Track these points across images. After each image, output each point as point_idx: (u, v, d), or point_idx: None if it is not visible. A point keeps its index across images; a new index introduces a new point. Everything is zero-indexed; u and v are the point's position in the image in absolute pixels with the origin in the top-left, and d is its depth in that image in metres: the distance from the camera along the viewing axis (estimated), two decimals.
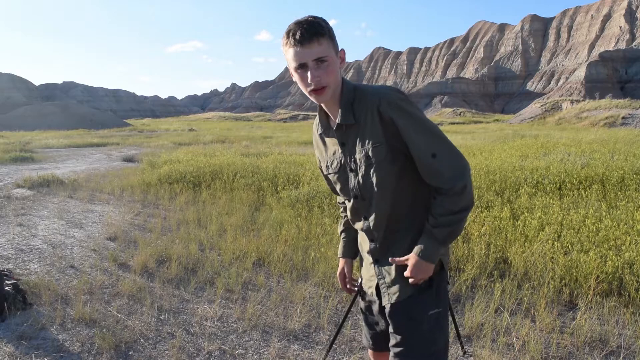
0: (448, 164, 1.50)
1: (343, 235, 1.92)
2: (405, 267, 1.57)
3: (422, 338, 1.56)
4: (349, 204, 1.70)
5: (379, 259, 1.65)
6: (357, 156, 1.56)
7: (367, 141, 1.53)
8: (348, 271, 1.91)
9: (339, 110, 1.56)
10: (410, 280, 1.56)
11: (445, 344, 1.61)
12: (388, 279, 1.62)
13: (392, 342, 1.61)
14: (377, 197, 1.57)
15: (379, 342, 1.79)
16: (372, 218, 1.62)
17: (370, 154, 1.53)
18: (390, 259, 1.60)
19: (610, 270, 3.54)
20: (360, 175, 1.58)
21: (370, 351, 1.88)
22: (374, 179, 1.55)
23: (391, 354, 1.60)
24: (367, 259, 1.72)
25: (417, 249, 1.54)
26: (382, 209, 1.58)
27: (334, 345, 2.87)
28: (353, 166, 1.59)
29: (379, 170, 1.53)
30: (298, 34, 1.44)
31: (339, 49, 1.54)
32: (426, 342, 1.56)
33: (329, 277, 3.90)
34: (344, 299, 3.59)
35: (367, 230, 1.66)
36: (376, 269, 1.66)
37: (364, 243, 1.73)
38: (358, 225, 1.70)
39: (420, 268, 1.53)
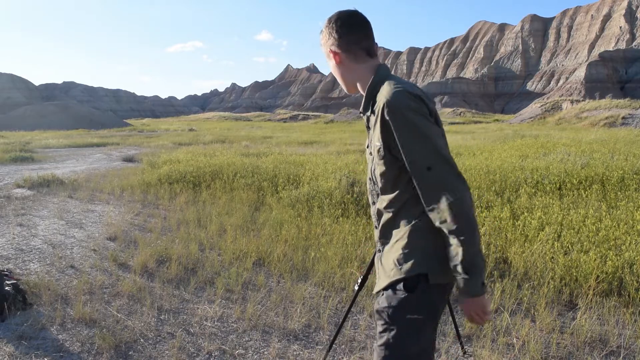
0: (444, 180, 1.44)
1: None
2: (393, 254, 1.57)
3: (393, 337, 1.51)
4: None
5: (380, 249, 1.68)
6: (371, 144, 1.64)
7: (375, 137, 1.58)
8: None
9: (363, 99, 1.67)
10: (472, 322, 1.53)
11: (418, 353, 1.53)
12: (380, 270, 1.64)
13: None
14: (381, 187, 1.63)
15: None
16: (377, 204, 1.67)
17: (372, 150, 1.62)
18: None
19: (610, 270, 3.54)
20: (372, 161, 1.66)
21: None
22: (377, 172, 1.62)
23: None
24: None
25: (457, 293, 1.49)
26: (383, 199, 1.64)
27: (334, 345, 2.86)
28: (371, 151, 1.67)
29: (381, 166, 1.59)
30: None
31: (330, 50, 1.66)
32: (397, 342, 1.50)
33: (329, 277, 3.90)
34: (343, 299, 3.59)
35: (373, 215, 1.72)
36: (376, 257, 1.70)
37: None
38: (371, 209, 1.76)
39: (469, 306, 1.48)
